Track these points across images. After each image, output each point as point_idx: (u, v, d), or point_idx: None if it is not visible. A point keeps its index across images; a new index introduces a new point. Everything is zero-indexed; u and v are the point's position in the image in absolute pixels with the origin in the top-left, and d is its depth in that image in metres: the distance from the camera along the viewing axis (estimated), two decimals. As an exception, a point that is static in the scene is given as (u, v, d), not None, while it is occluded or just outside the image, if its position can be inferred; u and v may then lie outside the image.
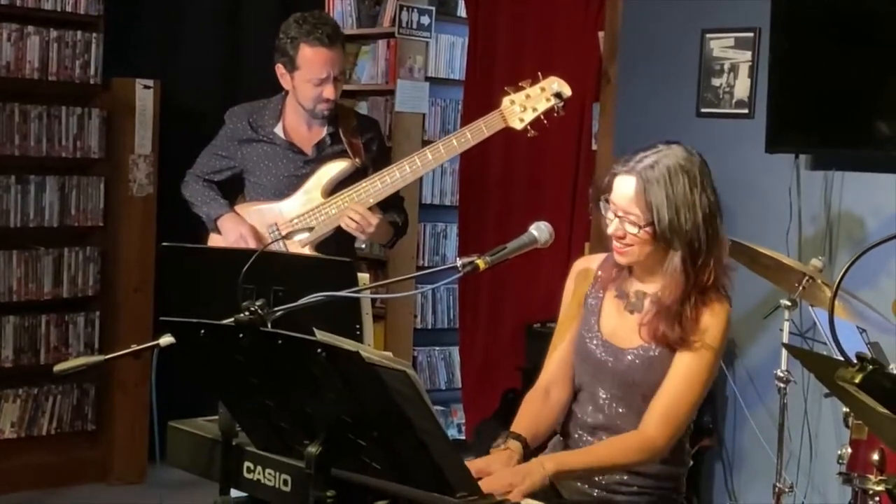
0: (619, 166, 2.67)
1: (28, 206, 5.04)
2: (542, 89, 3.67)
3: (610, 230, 2.66)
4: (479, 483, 2.30)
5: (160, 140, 5.28)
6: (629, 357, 2.69)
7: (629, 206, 2.62)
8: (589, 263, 2.87)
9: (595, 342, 2.75)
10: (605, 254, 2.84)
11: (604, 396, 2.73)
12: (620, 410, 2.71)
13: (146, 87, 5.25)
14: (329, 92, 3.76)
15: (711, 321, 2.64)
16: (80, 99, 5.18)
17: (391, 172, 3.73)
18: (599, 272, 2.81)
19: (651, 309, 2.68)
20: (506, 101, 3.67)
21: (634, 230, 2.61)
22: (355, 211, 3.69)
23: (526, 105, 3.65)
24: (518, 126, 3.66)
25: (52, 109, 5.07)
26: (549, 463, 2.53)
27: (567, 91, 3.66)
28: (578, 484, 2.73)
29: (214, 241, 3.90)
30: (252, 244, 3.74)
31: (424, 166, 3.72)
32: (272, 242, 3.71)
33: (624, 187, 2.63)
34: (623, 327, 2.73)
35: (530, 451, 2.72)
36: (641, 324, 2.69)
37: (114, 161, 5.24)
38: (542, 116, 3.66)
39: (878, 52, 4.29)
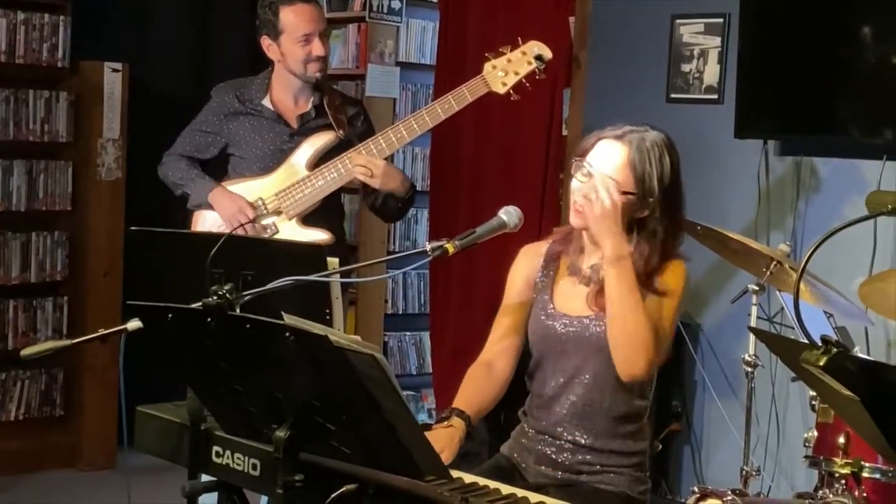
0: (608, 131, 2.72)
1: (-6, 190, 5.01)
2: (524, 53, 3.68)
3: (578, 188, 2.70)
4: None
5: (129, 124, 5.26)
6: (594, 323, 2.72)
7: (610, 171, 2.66)
8: (535, 250, 2.91)
9: (553, 318, 2.77)
10: (550, 239, 2.87)
11: (567, 368, 2.76)
12: (582, 379, 2.74)
13: (115, 70, 5.22)
14: (318, 48, 3.79)
15: (670, 276, 2.71)
16: (48, 82, 5.16)
17: (376, 141, 3.73)
18: (548, 252, 2.86)
19: (596, 275, 2.73)
20: (487, 66, 3.68)
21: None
22: (358, 158, 3.69)
23: (508, 69, 3.66)
24: (501, 90, 3.67)
25: (20, 93, 5.04)
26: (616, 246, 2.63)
27: (548, 53, 3.68)
28: (542, 467, 2.75)
29: (203, 217, 3.87)
30: (250, 215, 3.73)
31: (410, 134, 3.73)
32: (245, 224, 3.70)
33: (611, 152, 2.69)
34: (579, 299, 2.76)
35: (473, 428, 2.75)
36: (594, 292, 2.73)
37: (82, 145, 5.22)
38: (524, 80, 3.67)
39: (845, 38, 4.31)
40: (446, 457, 2.56)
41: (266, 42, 3.83)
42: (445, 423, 2.69)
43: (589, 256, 2.78)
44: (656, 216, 2.70)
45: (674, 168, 2.73)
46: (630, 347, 2.62)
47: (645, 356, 2.61)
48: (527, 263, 2.90)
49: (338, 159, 3.75)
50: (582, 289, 2.78)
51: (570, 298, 2.79)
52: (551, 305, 2.80)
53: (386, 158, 3.80)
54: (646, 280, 2.69)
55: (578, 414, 2.76)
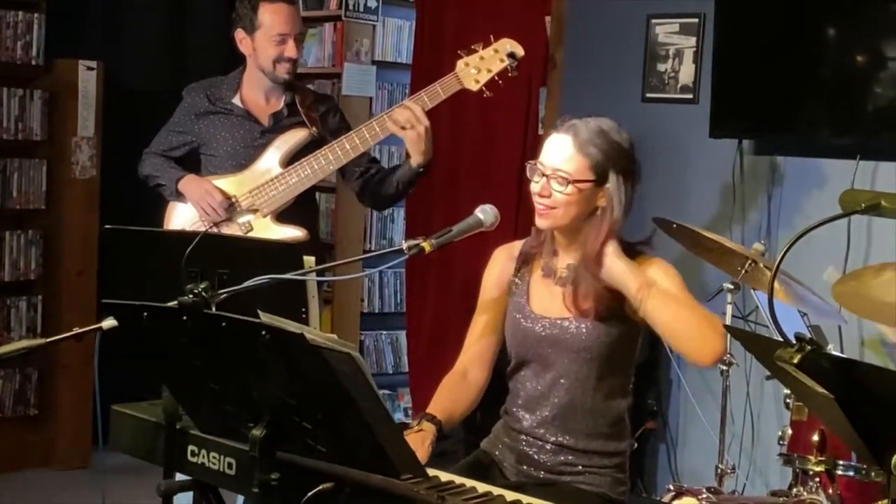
0: (553, 127, 2.74)
1: (-32, 188, 4.99)
2: (496, 51, 3.68)
3: (535, 189, 2.70)
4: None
5: (103, 122, 5.24)
6: (572, 325, 2.72)
7: (561, 164, 2.66)
8: (509, 250, 2.90)
9: (532, 321, 2.77)
10: (523, 240, 2.87)
11: (549, 370, 2.76)
12: (563, 382, 2.74)
13: (89, 68, 5.20)
14: (290, 50, 3.79)
15: (661, 271, 2.72)
16: (22, 80, 5.13)
17: (350, 138, 3.73)
18: (522, 254, 2.86)
19: (571, 276, 2.73)
20: (460, 63, 3.68)
21: (561, 188, 2.65)
22: (405, 112, 3.63)
23: (480, 67, 3.66)
24: (473, 87, 3.67)
25: (-6, 90, 5.02)
26: (635, 281, 2.62)
27: (520, 51, 3.68)
28: (524, 466, 2.76)
29: (176, 209, 3.87)
30: (218, 198, 3.72)
31: (383, 131, 3.72)
32: (219, 222, 3.69)
33: (557, 145, 2.69)
34: (557, 301, 2.76)
35: (444, 434, 2.75)
36: (570, 297, 2.73)
37: (56, 143, 5.20)
38: (496, 77, 3.67)
39: (818, 39, 4.33)
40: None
41: (240, 35, 3.83)
42: (416, 427, 2.70)
43: (563, 257, 2.78)
44: (601, 202, 2.69)
45: (622, 148, 2.69)
46: (707, 337, 2.64)
47: (720, 338, 2.66)
48: (500, 266, 2.90)
49: (311, 156, 3.75)
50: (558, 290, 2.77)
51: (547, 300, 2.78)
52: (528, 308, 2.80)
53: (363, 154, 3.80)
54: (594, 278, 2.69)
55: (561, 415, 2.76)
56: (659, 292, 2.62)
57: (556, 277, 2.78)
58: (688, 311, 2.63)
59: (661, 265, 2.74)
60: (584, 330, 2.70)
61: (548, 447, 2.75)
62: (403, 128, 3.64)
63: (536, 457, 2.76)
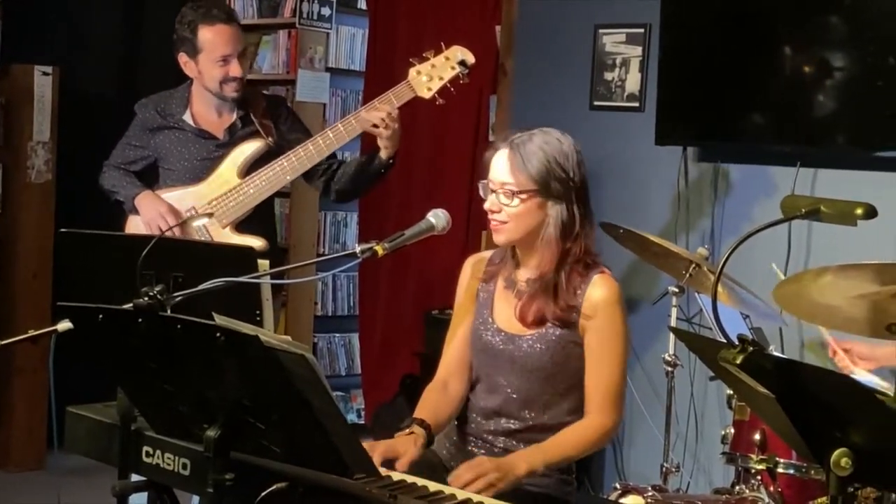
0: (494, 144, 2.75)
1: (-76, 192, 4.94)
2: (447, 58, 3.69)
3: (486, 206, 2.72)
4: (385, 448, 2.46)
5: (59, 127, 5.19)
6: (527, 342, 2.72)
7: (505, 177, 2.67)
8: (479, 260, 2.90)
9: (491, 333, 2.77)
10: (493, 250, 2.87)
11: (502, 383, 2.75)
12: (514, 396, 2.74)
13: (45, 73, 5.15)
14: (235, 69, 3.76)
15: (603, 295, 2.69)
16: (-23, 85, 5.07)
17: (306, 148, 3.72)
18: (488, 267, 2.85)
19: (528, 290, 2.73)
20: (412, 72, 3.68)
21: (508, 201, 2.66)
22: (380, 111, 3.65)
23: (432, 74, 3.67)
24: (426, 95, 3.68)
25: (-51, 95, 4.97)
26: (520, 463, 2.56)
27: (470, 58, 3.69)
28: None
29: (134, 222, 3.83)
30: (171, 221, 3.69)
31: (339, 140, 3.73)
32: (173, 229, 3.66)
33: (500, 160, 2.69)
34: (513, 314, 2.76)
35: (433, 437, 2.74)
36: (521, 306, 2.72)
37: (12, 147, 5.15)
38: (448, 84, 3.68)
39: (761, 49, 4.37)
40: (408, 459, 2.55)
41: (184, 59, 3.80)
42: (407, 430, 2.69)
43: (524, 271, 2.78)
44: (550, 213, 2.68)
45: (567, 158, 2.68)
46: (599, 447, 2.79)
47: (612, 436, 2.85)
48: (471, 276, 2.89)
49: (268, 166, 3.73)
50: (516, 303, 2.77)
51: (507, 313, 2.78)
52: (491, 319, 2.80)
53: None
54: (552, 299, 2.68)
55: (512, 431, 2.76)
56: (553, 454, 2.64)
57: (516, 290, 2.78)
58: (582, 450, 2.71)
59: (603, 282, 2.72)
60: (537, 350, 2.70)
61: (496, 450, 2.75)
62: (376, 126, 3.64)
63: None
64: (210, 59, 3.74)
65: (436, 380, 2.86)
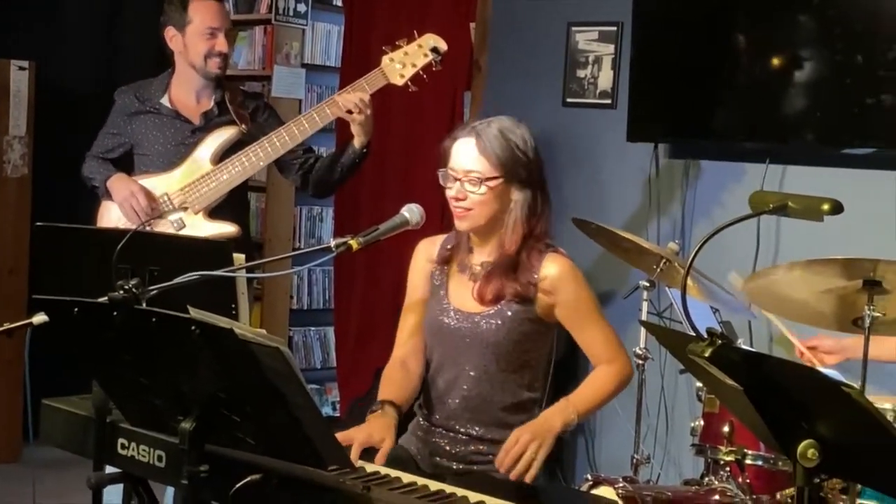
0: (457, 132, 2.77)
1: None
2: (420, 46, 3.69)
3: (451, 194, 2.74)
4: (358, 433, 2.51)
5: (35, 121, 5.16)
6: (484, 320, 2.74)
7: (470, 165, 2.70)
8: (432, 244, 2.93)
9: (447, 315, 2.80)
10: (445, 235, 2.89)
11: (460, 361, 2.78)
12: (472, 374, 2.76)
13: (21, 68, 5.12)
14: (221, 44, 3.78)
15: (560, 270, 2.74)
16: (-46, 80, 5.04)
17: (279, 134, 3.72)
18: (441, 251, 2.88)
19: (484, 271, 2.76)
20: (385, 59, 3.68)
21: (474, 188, 2.69)
22: (353, 97, 3.64)
23: (405, 62, 3.67)
24: (399, 82, 3.68)
25: (-75, 90, 4.93)
26: (557, 419, 2.65)
27: (443, 45, 3.70)
28: (438, 458, 2.76)
29: (107, 207, 3.82)
30: (143, 202, 3.68)
31: (312, 126, 3.72)
32: (150, 219, 3.65)
33: (464, 148, 2.73)
34: (470, 295, 2.79)
35: (402, 415, 2.75)
36: (479, 287, 2.75)
37: (-12, 142, 5.11)
38: (420, 72, 3.68)
39: (731, 48, 4.39)
40: (389, 444, 2.58)
41: (171, 33, 3.80)
42: (379, 413, 2.69)
43: (478, 254, 2.81)
44: (515, 197, 2.74)
45: (525, 142, 2.74)
46: (624, 385, 2.87)
47: (630, 376, 2.87)
48: (424, 260, 2.92)
49: (242, 153, 3.73)
50: (471, 285, 2.80)
51: (462, 294, 2.81)
52: (446, 301, 2.83)
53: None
54: (512, 275, 2.73)
55: (470, 407, 2.78)
56: (581, 403, 2.73)
57: (470, 273, 2.80)
58: (606, 394, 2.81)
59: (559, 260, 2.77)
60: (493, 326, 2.73)
61: (460, 438, 2.77)
62: (350, 112, 3.64)
63: (449, 448, 2.77)
64: (198, 31, 3.76)
65: (393, 359, 2.88)
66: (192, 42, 3.77)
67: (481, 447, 2.75)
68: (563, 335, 2.92)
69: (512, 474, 2.54)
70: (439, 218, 5.18)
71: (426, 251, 2.92)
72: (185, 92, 3.85)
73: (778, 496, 3.40)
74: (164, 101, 3.85)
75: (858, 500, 3.01)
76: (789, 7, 4.24)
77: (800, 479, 2.03)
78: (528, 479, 2.53)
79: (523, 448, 2.55)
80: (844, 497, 3.04)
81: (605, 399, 2.78)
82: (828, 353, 3.61)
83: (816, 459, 1.99)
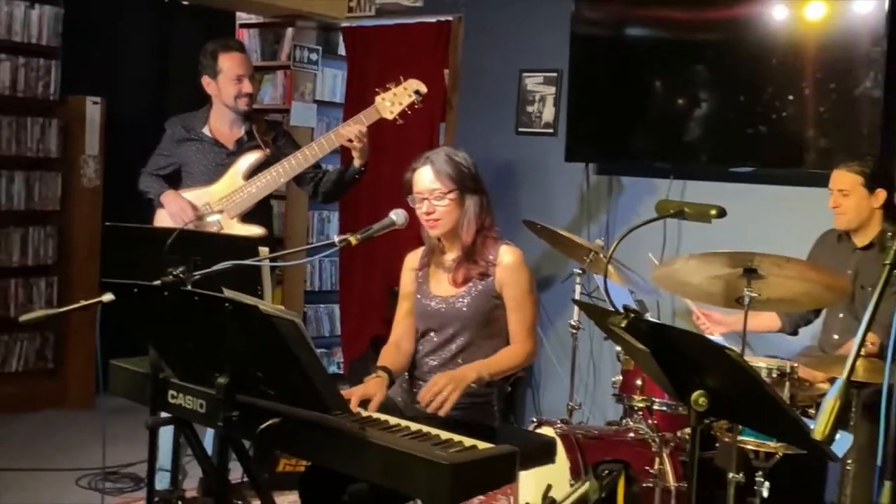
0: (416, 163, 2.77)
1: (1, 194, 4.85)
2: (405, 88, 3.67)
3: (422, 211, 2.73)
4: (359, 391, 2.50)
5: (105, 143, 5.13)
6: (458, 299, 2.74)
7: (432, 185, 2.70)
8: (415, 255, 2.92)
9: (429, 300, 2.79)
10: (423, 247, 2.89)
11: (441, 331, 2.77)
12: (456, 340, 2.75)
13: (94, 102, 5.09)
14: (247, 87, 3.73)
15: (510, 258, 2.72)
16: (42, 111, 5.00)
17: (295, 157, 3.69)
18: (421, 260, 2.88)
19: (454, 263, 2.76)
20: (378, 98, 3.66)
21: (440, 202, 2.69)
22: (354, 128, 3.62)
23: (394, 100, 3.65)
24: (389, 116, 3.65)
25: (20, 119, 4.89)
26: (470, 372, 2.58)
27: (424, 88, 3.67)
28: (418, 405, 2.76)
29: (160, 214, 3.79)
30: (190, 215, 3.65)
31: (321, 150, 3.69)
32: (191, 223, 3.62)
33: (423, 175, 2.73)
34: (446, 283, 2.78)
35: (394, 380, 2.74)
36: (452, 276, 2.75)
37: (69, 160, 5.08)
38: (406, 108, 3.67)
39: (645, 89, 4.41)
40: (378, 401, 2.55)
41: (206, 80, 3.76)
42: (375, 375, 2.69)
43: (448, 254, 2.81)
44: (468, 202, 2.73)
45: (466, 162, 2.75)
46: (525, 362, 2.75)
47: (533, 357, 2.75)
48: (409, 269, 2.91)
49: (266, 171, 3.69)
50: (447, 275, 2.79)
51: (440, 284, 2.80)
52: (429, 291, 2.81)
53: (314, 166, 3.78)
54: (473, 261, 2.71)
55: (444, 367, 2.76)
56: (493, 367, 2.63)
57: (444, 268, 2.80)
58: (513, 366, 2.70)
59: (509, 250, 2.74)
60: (464, 305, 2.73)
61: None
62: (351, 140, 3.63)
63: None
64: (227, 78, 3.71)
65: (390, 342, 2.87)
66: (224, 86, 3.72)
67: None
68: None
69: (430, 408, 2.48)
70: (419, 220, 5.18)
71: (411, 261, 2.91)
72: (221, 124, 3.81)
73: (678, 434, 3.43)
74: (205, 130, 3.80)
75: (739, 437, 3.03)
76: (690, 59, 4.26)
77: (693, 421, 2.04)
78: (441, 413, 2.46)
79: (440, 389, 2.49)
80: (729, 434, 3.05)
81: (511, 368, 2.70)
82: (717, 324, 3.64)
83: (706, 405, 2.00)
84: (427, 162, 2.73)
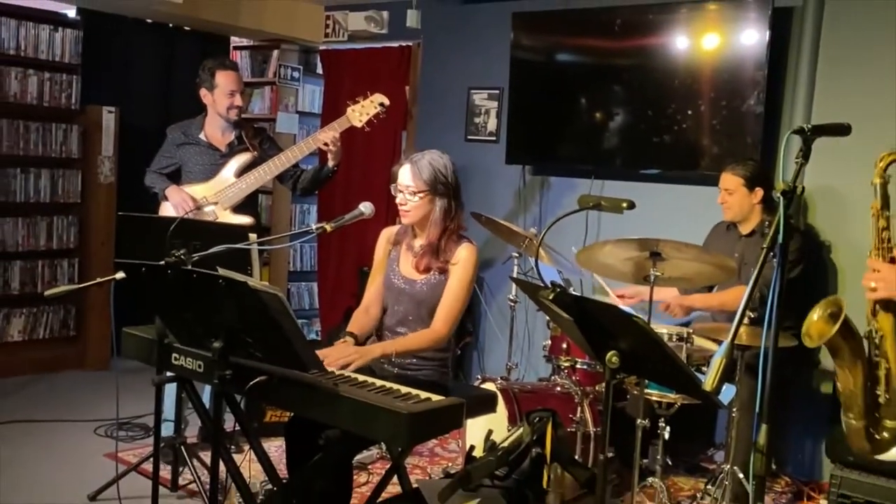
0: (400, 161, 2.72)
1: (30, 188, 4.77)
2: (372, 101, 3.64)
3: (398, 200, 2.69)
4: (329, 351, 2.40)
5: (119, 146, 5.04)
6: (419, 284, 2.71)
7: (408, 182, 2.65)
8: (391, 231, 2.87)
9: (397, 279, 2.76)
10: (399, 226, 2.85)
11: (402, 310, 2.74)
12: (410, 318, 2.73)
13: (109, 111, 4.99)
14: (238, 101, 3.69)
15: (464, 255, 2.67)
16: (65, 119, 4.90)
17: (278, 157, 3.65)
18: (396, 236, 2.83)
19: (421, 250, 2.72)
20: (349, 109, 3.63)
21: (412, 197, 2.64)
22: (329, 134, 3.56)
23: (362, 111, 3.62)
24: (358, 124, 3.62)
25: (46, 125, 4.79)
26: (377, 349, 2.54)
27: (387, 101, 3.65)
28: (385, 365, 2.75)
29: (165, 206, 3.72)
30: (191, 205, 3.60)
31: (300, 152, 3.65)
32: (190, 212, 3.57)
33: (404, 171, 2.67)
34: (412, 266, 2.74)
35: (361, 343, 2.72)
36: (416, 262, 2.71)
37: (87, 160, 4.98)
38: (373, 118, 3.64)
39: (570, 104, 4.42)
40: (359, 363, 2.45)
41: (203, 92, 3.70)
42: (342, 340, 2.65)
43: (419, 239, 2.75)
44: (437, 203, 2.66)
45: (445, 169, 2.65)
46: (431, 347, 2.62)
47: (442, 342, 2.62)
48: (385, 241, 2.85)
49: (254, 170, 3.65)
50: (413, 259, 2.74)
51: (407, 265, 2.76)
52: (397, 269, 2.77)
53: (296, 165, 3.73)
54: (435, 256, 2.65)
55: (404, 332, 2.75)
56: (400, 346, 2.56)
57: (413, 252, 2.76)
58: (419, 347, 2.59)
59: (468, 248, 2.68)
60: (425, 287, 2.69)
61: (395, 356, 2.74)
62: (326, 144, 3.60)
63: (393, 359, 2.75)
64: (222, 92, 3.66)
65: (361, 306, 2.83)
66: (219, 99, 3.67)
67: (413, 360, 2.69)
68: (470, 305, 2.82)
69: (333, 367, 2.40)
70: (384, 211, 5.16)
71: (387, 235, 2.84)
72: (215, 130, 3.76)
73: (597, 388, 3.46)
74: (202, 136, 3.74)
75: (646, 390, 3.07)
76: (608, 80, 4.29)
77: (608, 376, 2.06)
78: (347, 371, 2.37)
79: (346, 356, 2.44)
80: (637, 388, 3.10)
81: (417, 349, 2.60)
82: (629, 297, 3.68)
83: (618, 364, 2.03)
84: (410, 161, 2.67)
